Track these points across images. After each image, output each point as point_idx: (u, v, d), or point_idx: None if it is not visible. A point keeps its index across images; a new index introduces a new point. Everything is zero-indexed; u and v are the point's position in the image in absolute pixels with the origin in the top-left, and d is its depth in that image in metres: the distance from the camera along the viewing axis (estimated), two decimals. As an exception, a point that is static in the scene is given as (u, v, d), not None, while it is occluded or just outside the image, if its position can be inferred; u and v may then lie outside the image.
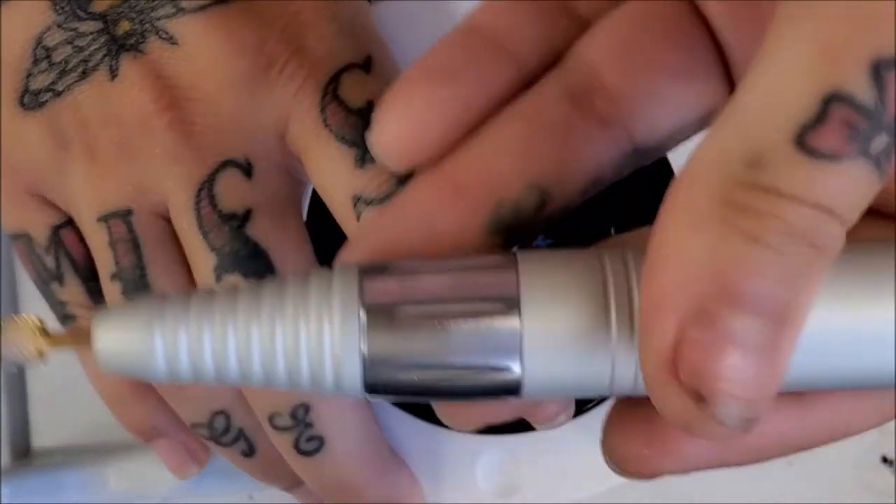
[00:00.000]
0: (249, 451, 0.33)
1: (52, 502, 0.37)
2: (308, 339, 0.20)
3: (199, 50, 0.29)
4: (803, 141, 0.17)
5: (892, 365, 0.20)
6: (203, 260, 0.30)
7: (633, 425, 0.22)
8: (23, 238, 0.32)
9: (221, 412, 0.32)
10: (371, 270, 0.20)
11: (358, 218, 0.28)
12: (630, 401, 0.22)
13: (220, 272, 0.29)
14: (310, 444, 0.31)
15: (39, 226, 0.32)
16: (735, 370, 0.17)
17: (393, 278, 0.20)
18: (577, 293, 0.20)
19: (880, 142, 0.17)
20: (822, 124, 0.16)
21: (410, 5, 0.34)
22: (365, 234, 0.22)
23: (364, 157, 0.28)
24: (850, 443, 0.38)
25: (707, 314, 0.17)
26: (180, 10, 0.29)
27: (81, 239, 0.31)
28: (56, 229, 0.31)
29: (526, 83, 0.22)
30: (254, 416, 0.32)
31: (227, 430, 0.32)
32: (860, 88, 0.16)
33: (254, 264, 0.29)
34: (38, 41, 0.30)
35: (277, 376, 0.20)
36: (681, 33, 0.22)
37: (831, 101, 0.16)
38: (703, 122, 0.23)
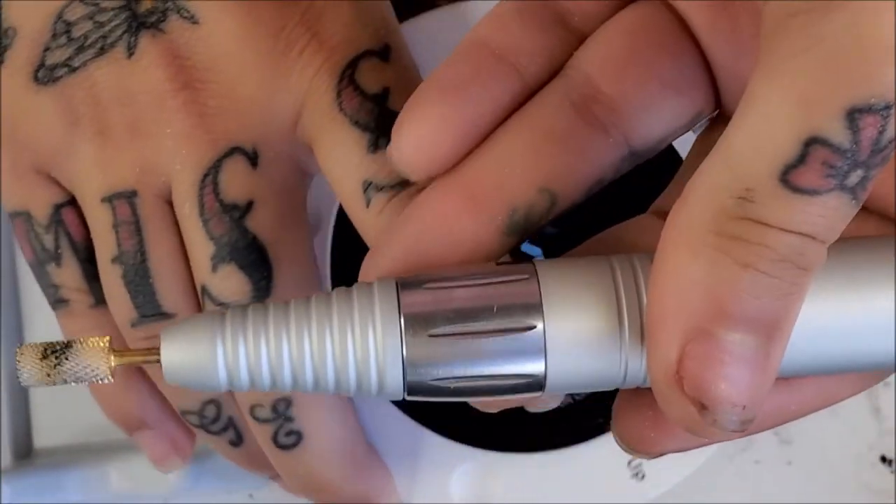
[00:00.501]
0: (237, 441, 0.33)
1: (53, 502, 0.37)
2: (354, 347, 0.22)
3: (218, 30, 0.29)
4: (787, 179, 0.19)
5: (879, 351, 0.22)
6: (201, 247, 0.30)
7: (639, 411, 0.24)
8: (23, 216, 0.32)
9: (212, 401, 0.32)
10: (407, 284, 0.22)
11: (367, 204, 0.28)
12: (637, 389, 0.23)
13: (216, 261, 0.29)
14: (288, 438, 0.31)
15: (41, 203, 0.31)
16: (732, 381, 0.20)
17: (427, 291, 0.22)
18: (593, 299, 0.22)
19: (856, 176, 0.19)
20: (803, 164, 0.19)
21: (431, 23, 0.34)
22: (388, 242, 0.24)
23: (377, 142, 0.28)
24: (849, 443, 0.38)
25: (705, 332, 0.20)
26: None
27: (82, 219, 0.31)
28: (58, 208, 0.31)
29: (529, 93, 0.24)
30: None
31: (216, 418, 0.33)
32: (836, 132, 0.18)
33: (251, 256, 0.29)
34: (59, 16, 0.29)
35: (326, 382, 0.22)
36: (671, 45, 0.24)
37: (811, 143, 0.19)
38: (692, 124, 0.25)
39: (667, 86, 0.24)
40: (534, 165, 0.23)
